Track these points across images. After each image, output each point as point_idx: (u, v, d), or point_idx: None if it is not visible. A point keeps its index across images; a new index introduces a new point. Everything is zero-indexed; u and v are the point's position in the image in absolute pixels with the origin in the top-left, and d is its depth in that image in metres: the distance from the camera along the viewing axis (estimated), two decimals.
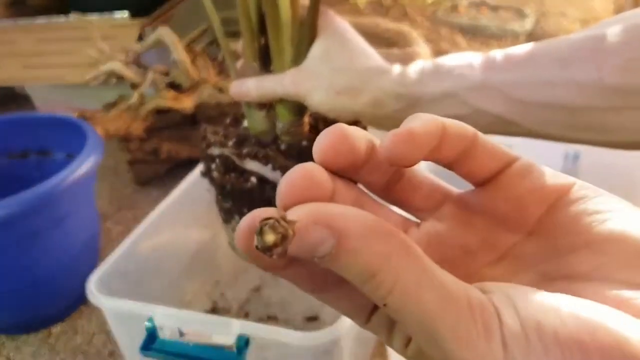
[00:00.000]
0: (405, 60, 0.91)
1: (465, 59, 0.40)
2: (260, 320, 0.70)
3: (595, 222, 0.21)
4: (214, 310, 0.72)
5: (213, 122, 0.98)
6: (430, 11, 0.99)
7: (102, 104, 1.00)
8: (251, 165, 0.46)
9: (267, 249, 0.17)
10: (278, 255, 0.17)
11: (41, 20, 1.20)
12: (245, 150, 0.47)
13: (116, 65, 0.94)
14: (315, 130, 0.51)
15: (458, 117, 0.39)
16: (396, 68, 0.43)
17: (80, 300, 0.76)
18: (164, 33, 0.94)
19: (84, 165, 0.68)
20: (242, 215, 0.47)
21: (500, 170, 0.23)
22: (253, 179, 0.45)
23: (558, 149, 0.72)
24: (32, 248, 0.67)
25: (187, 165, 0.88)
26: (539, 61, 0.37)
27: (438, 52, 0.95)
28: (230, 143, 0.49)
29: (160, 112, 0.96)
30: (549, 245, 0.22)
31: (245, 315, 0.71)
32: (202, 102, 0.96)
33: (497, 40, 0.92)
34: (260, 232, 0.17)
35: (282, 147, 0.48)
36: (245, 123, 0.51)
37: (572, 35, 0.37)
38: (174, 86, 0.96)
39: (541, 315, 0.17)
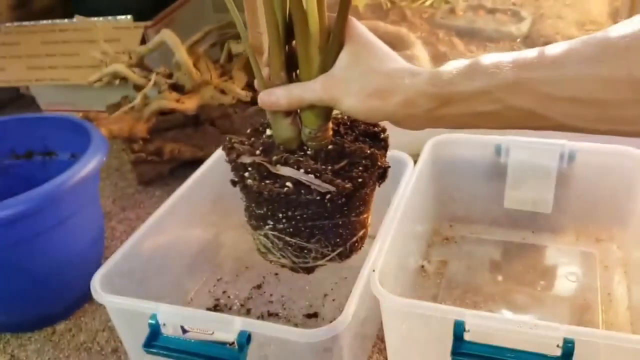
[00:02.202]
0: None
1: (496, 58, 0.42)
2: (261, 317, 0.71)
3: None
4: (216, 307, 0.73)
5: (215, 123, 0.99)
6: (428, 14, 1.00)
7: (106, 105, 1.01)
8: (284, 170, 0.47)
9: None
10: None
11: (46, 23, 1.22)
12: (274, 158, 0.49)
13: (120, 67, 0.96)
14: (338, 133, 0.52)
15: (490, 113, 0.42)
16: (426, 69, 0.45)
17: (84, 298, 0.77)
18: (167, 35, 0.95)
19: (88, 165, 0.69)
20: (276, 221, 0.48)
21: None
22: (289, 184, 0.47)
23: (553, 150, 0.73)
24: (37, 247, 0.68)
25: (190, 166, 0.89)
26: (570, 59, 0.39)
27: (436, 55, 0.96)
28: (258, 152, 0.50)
29: (163, 113, 0.97)
30: None
31: (247, 313, 0.72)
32: (204, 103, 0.97)
33: (494, 43, 0.93)
34: None
35: (309, 152, 0.50)
36: (269, 132, 0.52)
37: (598, 34, 0.39)
38: (176, 88, 0.98)
39: None
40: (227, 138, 0.52)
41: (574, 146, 0.73)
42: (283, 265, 0.51)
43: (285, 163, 0.48)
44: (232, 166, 0.50)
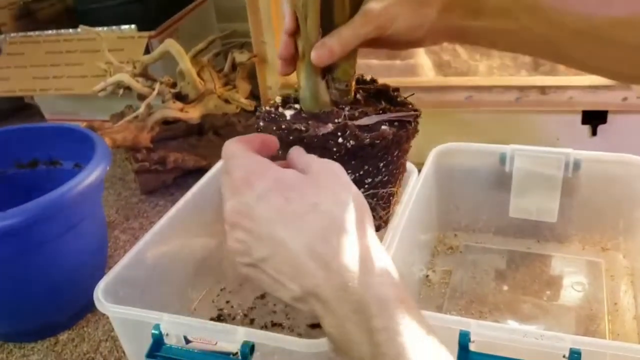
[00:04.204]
0: (407, 72, 0.92)
1: None
2: (265, 327, 0.71)
3: None
4: (220, 317, 0.73)
5: (219, 132, 0.99)
6: None
7: (109, 115, 1.02)
8: (370, 120, 0.49)
9: None
10: None
11: (50, 33, 1.22)
12: (356, 113, 0.50)
13: (124, 77, 0.96)
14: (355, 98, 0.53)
15: (510, 32, 0.46)
16: None
17: (87, 307, 0.77)
18: (171, 45, 0.95)
19: (92, 174, 0.69)
20: (377, 172, 0.50)
21: None
22: (384, 127, 0.49)
23: (558, 158, 0.73)
24: (41, 256, 0.68)
25: (193, 175, 0.89)
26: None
27: (439, 63, 0.96)
28: (340, 120, 0.51)
29: (167, 122, 0.97)
30: None
31: (250, 323, 0.72)
32: (208, 112, 0.97)
33: (497, 52, 0.94)
34: None
35: (346, 107, 0.51)
36: (296, 106, 0.52)
37: None
38: (180, 97, 0.98)
39: None
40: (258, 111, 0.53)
41: (579, 155, 0.72)
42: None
43: (366, 115, 0.49)
44: (320, 140, 0.47)
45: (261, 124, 0.51)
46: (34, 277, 0.69)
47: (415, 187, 0.70)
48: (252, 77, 1.03)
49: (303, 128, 0.47)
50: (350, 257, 0.36)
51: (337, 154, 0.47)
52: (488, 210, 0.80)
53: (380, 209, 0.51)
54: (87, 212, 0.72)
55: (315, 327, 0.70)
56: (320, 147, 0.47)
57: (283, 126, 0.48)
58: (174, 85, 0.99)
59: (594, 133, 0.87)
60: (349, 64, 0.50)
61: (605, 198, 0.75)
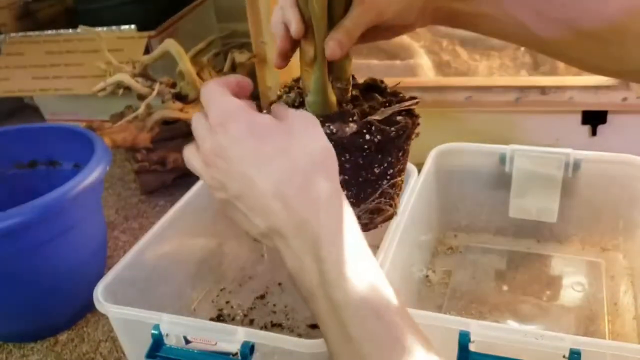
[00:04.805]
0: (407, 72, 0.93)
1: None
2: (264, 327, 0.71)
3: None
4: (219, 317, 0.73)
5: None
6: None
7: (109, 115, 1.02)
8: (382, 114, 0.49)
9: None
10: None
11: (50, 33, 1.22)
12: (378, 109, 0.50)
13: (123, 77, 0.96)
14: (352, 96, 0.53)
15: (493, 18, 0.46)
16: None
17: (86, 308, 0.76)
18: (171, 45, 0.95)
19: (92, 175, 0.69)
20: (394, 163, 0.50)
21: None
22: (399, 117, 0.49)
23: (558, 158, 0.73)
24: (40, 256, 0.68)
25: (193, 175, 0.88)
26: None
27: (439, 64, 0.96)
28: (354, 120, 0.51)
29: (166, 122, 0.97)
30: None
31: (250, 323, 0.72)
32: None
33: (498, 51, 0.94)
34: None
35: (348, 106, 0.51)
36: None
37: None
38: (180, 97, 0.98)
39: None
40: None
41: (579, 155, 0.73)
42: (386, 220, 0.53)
43: (382, 110, 0.49)
44: (348, 138, 0.49)
45: None
46: (33, 277, 0.69)
47: (415, 187, 0.70)
48: (251, 77, 1.02)
49: (328, 131, 0.48)
50: (309, 197, 0.39)
51: (368, 150, 0.48)
52: (488, 211, 0.80)
53: (397, 197, 0.52)
54: (87, 212, 0.72)
55: (315, 328, 0.70)
56: (350, 147, 0.48)
57: None
58: (173, 85, 0.99)
59: (593, 133, 0.87)
60: (347, 61, 0.50)
61: (605, 198, 0.75)
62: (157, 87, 0.95)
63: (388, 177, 0.50)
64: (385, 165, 0.50)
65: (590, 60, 0.47)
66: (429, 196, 0.76)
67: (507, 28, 0.47)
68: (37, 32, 1.23)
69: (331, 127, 0.48)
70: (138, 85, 0.96)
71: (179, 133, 0.99)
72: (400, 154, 0.51)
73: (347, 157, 0.47)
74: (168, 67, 1.01)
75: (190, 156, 0.46)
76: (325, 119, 0.49)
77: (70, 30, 1.21)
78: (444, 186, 0.80)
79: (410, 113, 0.51)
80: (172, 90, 0.97)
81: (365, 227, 0.51)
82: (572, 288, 0.72)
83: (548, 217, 0.76)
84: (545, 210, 0.76)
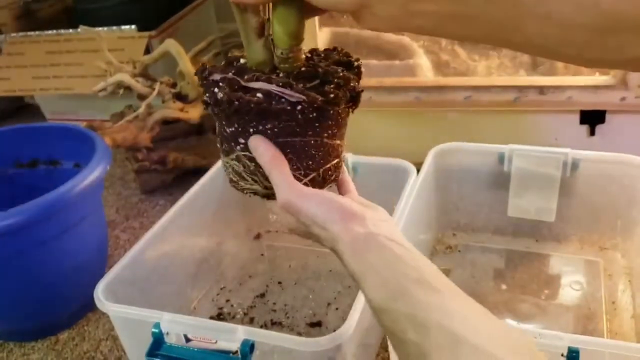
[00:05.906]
0: (407, 72, 0.93)
1: None
2: (264, 326, 0.71)
3: None
4: (220, 316, 0.73)
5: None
6: None
7: (110, 115, 1.02)
8: (256, 84, 0.48)
9: None
10: None
11: (50, 33, 1.22)
12: (246, 77, 0.48)
13: (124, 77, 0.96)
14: (312, 61, 0.51)
15: (467, 17, 0.40)
16: None
17: (87, 307, 0.77)
18: (171, 45, 0.95)
19: (92, 174, 0.69)
20: (247, 137, 0.48)
21: None
22: (259, 95, 0.47)
23: (556, 158, 0.73)
24: (41, 256, 0.68)
25: (193, 175, 0.89)
26: None
27: (438, 64, 0.96)
28: (231, 73, 0.50)
29: (167, 122, 0.97)
30: None
31: (250, 322, 0.72)
32: (208, 112, 0.97)
33: (497, 51, 0.94)
34: None
35: (281, 75, 0.49)
36: (242, 61, 0.52)
37: None
38: (180, 97, 0.98)
39: None
40: (201, 66, 0.52)
41: (577, 155, 0.73)
42: (255, 193, 0.51)
43: (256, 79, 0.48)
44: (204, 84, 0.50)
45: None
46: (34, 277, 0.69)
47: (414, 187, 0.70)
48: None
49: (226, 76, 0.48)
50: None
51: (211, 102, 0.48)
52: (487, 210, 0.81)
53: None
54: (87, 211, 0.72)
55: (314, 326, 0.70)
56: (206, 89, 0.49)
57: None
58: (174, 85, 0.99)
59: (592, 133, 0.87)
60: (283, 31, 0.47)
61: (604, 198, 0.75)
62: (157, 87, 0.95)
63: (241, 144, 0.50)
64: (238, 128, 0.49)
65: (589, 54, 0.45)
66: (428, 195, 0.77)
67: (486, 27, 0.43)
68: (37, 32, 1.23)
69: (232, 74, 0.48)
70: (138, 85, 0.96)
71: (179, 133, 1.00)
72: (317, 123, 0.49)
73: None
74: (168, 67, 1.02)
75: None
76: (245, 71, 0.49)
77: (71, 30, 1.21)
78: (442, 185, 0.80)
79: (348, 88, 0.48)
80: (173, 90, 0.98)
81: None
82: (571, 287, 0.73)
83: (547, 217, 0.76)
84: (544, 209, 0.76)
